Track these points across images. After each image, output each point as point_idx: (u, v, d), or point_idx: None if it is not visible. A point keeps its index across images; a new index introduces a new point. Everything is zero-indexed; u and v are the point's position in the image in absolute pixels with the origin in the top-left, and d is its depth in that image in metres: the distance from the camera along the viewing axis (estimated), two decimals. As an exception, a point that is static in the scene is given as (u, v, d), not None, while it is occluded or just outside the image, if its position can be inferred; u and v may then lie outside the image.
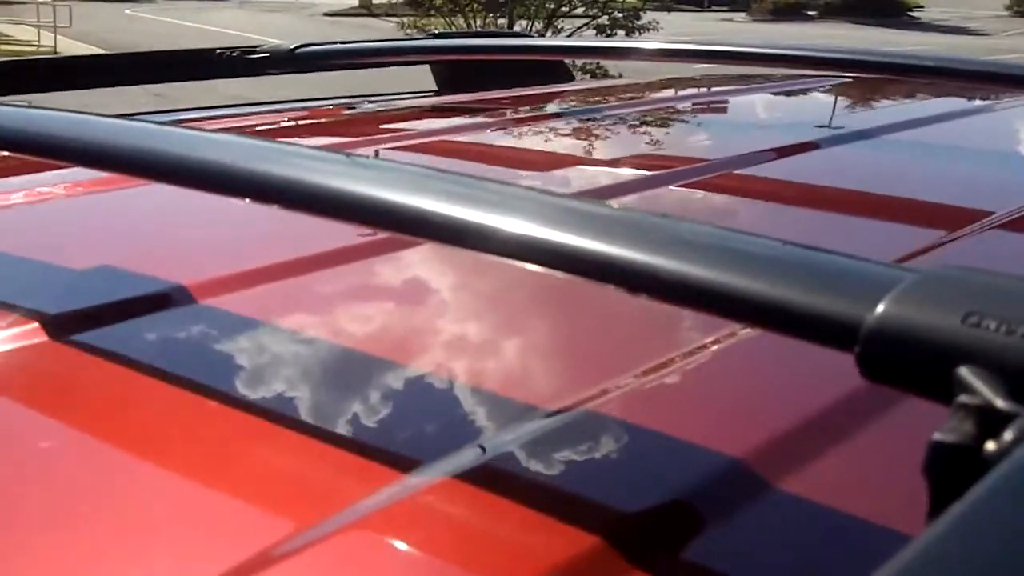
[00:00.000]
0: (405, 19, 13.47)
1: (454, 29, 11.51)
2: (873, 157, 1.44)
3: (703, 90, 2.19)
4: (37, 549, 0.46)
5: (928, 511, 0.32)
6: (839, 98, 2.10)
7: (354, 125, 1.70)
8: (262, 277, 0.79)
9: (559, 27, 12.98)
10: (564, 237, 0.46)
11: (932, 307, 0.37)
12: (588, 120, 1.71)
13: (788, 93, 2.07)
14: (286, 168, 0.56)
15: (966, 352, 0.35)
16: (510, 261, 0.48)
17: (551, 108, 1.88)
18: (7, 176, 1.11)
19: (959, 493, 0.28)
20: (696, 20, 31.20)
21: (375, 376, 0.65)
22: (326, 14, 29.82)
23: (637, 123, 1.72)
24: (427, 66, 2.07)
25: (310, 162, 0.57)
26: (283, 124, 1.61)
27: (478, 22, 12.75)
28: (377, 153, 1.31)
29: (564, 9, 13.13)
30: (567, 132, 1.61)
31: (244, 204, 0.61)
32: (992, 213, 1.04)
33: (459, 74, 2.02)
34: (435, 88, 2.07)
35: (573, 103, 1.96)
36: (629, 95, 2.11)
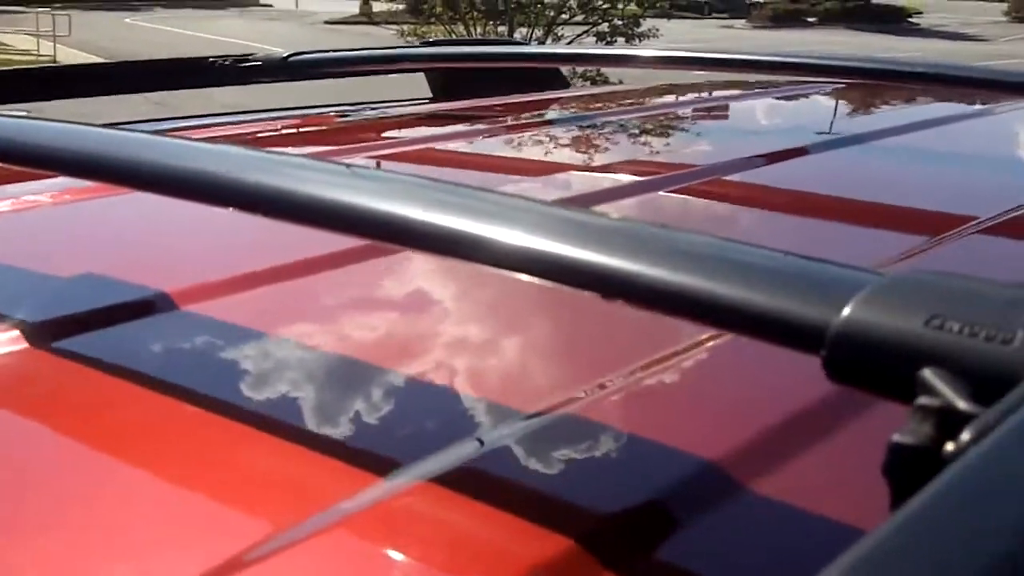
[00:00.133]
0: (405, 27, 13.49)
1: (454, 36, 11.54)
2: (863, 163, 1.45)
3: (697, 96, 2.19)
4: (24, 553, 0.47)
5: (890, 512, 0.32)
6: (832, 105, 2.10)
7: (349, 133, 1.70)
8: (247, 283, 0.79)
9: (559, 34, 12.99)
10: (539, 245, 0.46)
11: (896, 310, 0.37)
12: (582, 127, 1.71)
13: (782, 99, 2.07)
14: (274, 178, 0.56)
15: (929, 354, 0.35)
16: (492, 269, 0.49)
17: (546, 115, 1.88)
18: None
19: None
20: (696, 27, 31.25)
21: (357, 379, 0.66)
22: (326, 22, 29.86)
23: (631, 129, 1.73)
24: (422, 74, 2.07)
25: (298, 171, 0.57)
26: (278, 132, 1.61)
27: (478, 29, 12.78)
28: (378, 163, 1.31)
29: (564, 16, 13.15)
30: (561, 139, 1.62)
31: (230, 212, 0.61)
32: (977, 218, 1.05)
33: (453, 81, 2.03)
34: (430, 96, 2.07)
35: (568, 110, 1.96)
36: (624, 102, 2.11)
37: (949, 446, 0.32)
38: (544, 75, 2.22)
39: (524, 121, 1.74)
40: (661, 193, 1.15)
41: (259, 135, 1.55)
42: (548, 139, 1.60)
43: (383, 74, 1.99)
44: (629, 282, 0.43)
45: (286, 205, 0.55)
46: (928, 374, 0.35)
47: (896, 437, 0.33)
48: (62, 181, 1.04)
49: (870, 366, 0.37)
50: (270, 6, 39.16)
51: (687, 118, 1.91)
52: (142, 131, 0.72)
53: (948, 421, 0.33)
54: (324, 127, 1.74)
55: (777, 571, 0.48)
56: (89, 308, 0.73)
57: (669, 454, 0.56)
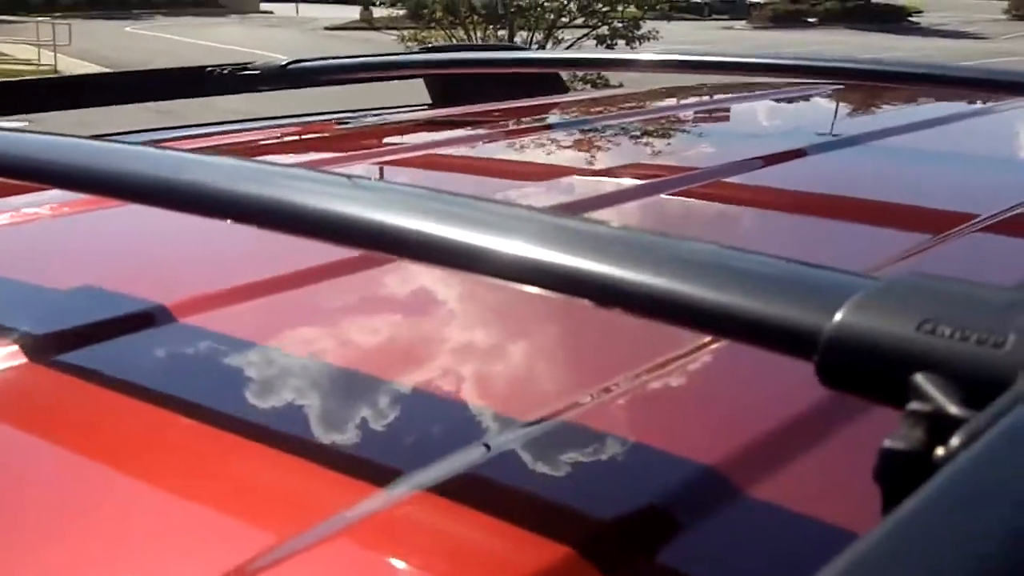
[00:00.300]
0: (406, 32, 13.50)
1: (454, 41, 11.55)
2: (862, 164, 1.45)
3: (697, 99, 2.19)
4: (26, 566, 0.47)
5: (881, 517, 0.33)
6: (831, 106, 2.11)
7: (349, 139, 1.70)
8: (246, 295, 0.79)
9: (559, 38, 13.00)
10: (535, 254, 0.46)
11: (888, 314, 0.37)
12: (582, 131, 1.71)
13: (781, 101, 2.07)
14: (272, 190, 0.56)
15: (921, 359, 0.35)
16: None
17: (545, 120, 1.89)
18: None
19: None
20: (696, 29, 31.26)
21: (357, 389, 0.66)
22: (327, 28, 29.89)
23: (631, 133, 1.73)
24: (421, 80, 2.07)
25: (296, 183, 0.57)
26: (278, 140, 1.62)
27: (478, 34, 12.79)
28: (381, 171, 1.31)
29: (564, 20, 13.16)
30: (561, 143, 1.62)
31: (227, 224, 0.62)
32: (975, 218, 1.05)
33: (452, 87, 2.03)
34: (429, 102, 2.07)
35: (567, 114, 1.96)
36: (623, 106, 2.11)
37: (940, 451, 0.32)
38: (542, 80, 2.22)
39: (524, 126, 1.75)
40: (662, 196, 1.15)
41: (259, 143, 1.55)
42: (549, 144, 1.61)
43: (382, 81, 1.99)
44: (624, 291, 0.43)
45: (285, 217, 0.55)
46: (920, 379, 0.35)
47: (887, 443, 0.33)
48: (59, 194, 1.04)
49: (862, 371, 0.37)
50: (270, 13, 39.20)
51: (687, 121, 1.91)
52: (141, 141, 0.72)
53: (939, 426, 0.33)
54: (324, 134, 1.74)
55: (773, 571, 0.48)
56: (88, 321, 0.73)
57: (665, 460, 0.56)
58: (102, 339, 0.71)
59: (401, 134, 1.73)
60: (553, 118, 1.92)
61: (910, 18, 36.49)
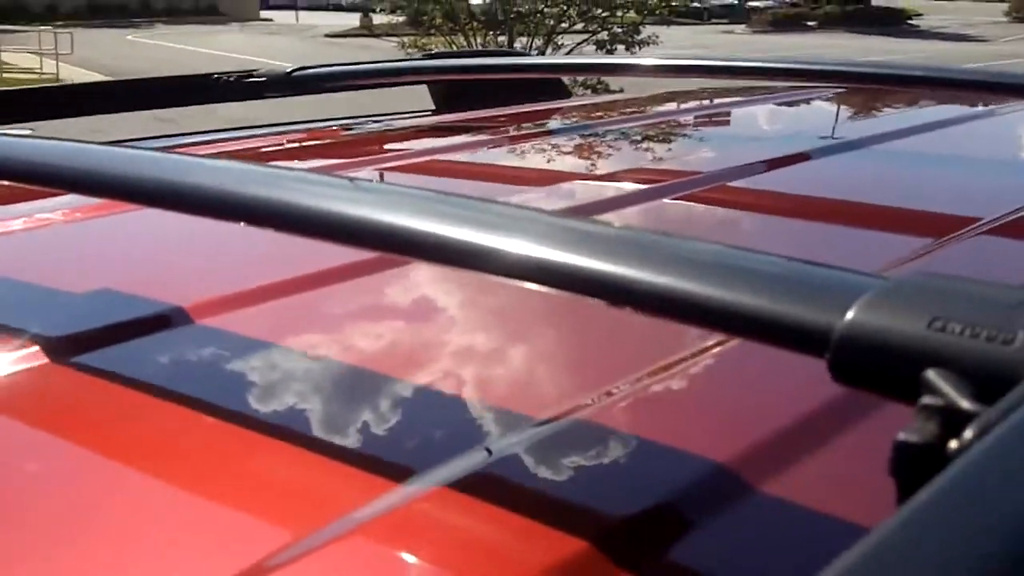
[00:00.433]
0: (405, 39, 13.51)
1: (454, 48, 11.56)
2: (865, 167, 1.46)
3: (698, 103, 2.20)
4: (45, 562, 0.48)
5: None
6: (833, 109, 2.11)
7: (353, 145, 1.71)
8: (257, 297, 0.80)
9: (559, 43, 13.01)
10: (548, 254, 0.47)
11: (899, 313, 0.38)
12: (585, 136, 1.72)
13: (783, 105, 2.08)
14: (285, 192, 0.57)
15: (932, 355, 0.36)
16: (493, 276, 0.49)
17: (549, 125, 1.89)
18: (5, 204, 1.13)
19: None
20: (696, 33, 31.28)
21: (369, 388, 0.67)
22: (327, 36, 29.93)
23: (634, 138, 1.73)
24: (424, 86, 2.08)
25: (308, 186, 0.58)
26: (283, 146, 1.62)
27: (478, 40, 12.79)
28: (382, 175, 1.32)
29: (564, 25, 13.16)
30: (565, 148, 1.63)
31: (239, 226, 0.62)
32: (980, 219, 1.05)
33: (456, 93, 2.04)
34: (433, 108, 2.08)
35: (570, 119, 1.97)
36: (626, 110, 2.12)
37: (953, 443, 0.33)
38: (546, 85, 2.23)
39: (527, 131, 1.75)
40: (666, 200, 1.16)
41: (265, 150, 1.56)
42: (552, 149, 1.61)
43: (386, 87, 2.00)
44: (642, 290, 0.44)
45: (297, 219, 0.56)
46: (932, 375, 0.36)
47: (901, 436, 0.34)
48: (71, 199, 1.05)
49: (875, 368, 0.38)
50: (270, 20, 39.29)
51: (689, 125, 1.92)
52: (148, 148, 0.73)
53: (952, 420, 0.34)
54: (329, 140, 1.75)
55: (787, 569, 0.49)
56: (104, 323, 0.74)
57: (680, 458, 0.57)
58: (119, 341, 0.72)
59: (406, 140, 1.74)
60: (557, 123, 1.93)
61: (910, 21, 36.51)
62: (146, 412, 0.62)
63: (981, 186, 1.37)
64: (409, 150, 1.57)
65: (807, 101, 2.10)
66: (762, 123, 2.01)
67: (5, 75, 15.65)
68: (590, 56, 10.15)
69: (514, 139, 1.65)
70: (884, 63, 1.80)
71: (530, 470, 0.55)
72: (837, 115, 2.08)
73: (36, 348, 0.69)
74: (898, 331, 0.37)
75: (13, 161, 0.71)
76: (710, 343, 0.70)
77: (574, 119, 1.96)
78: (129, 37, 28.17)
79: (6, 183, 0.74)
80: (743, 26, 36.07)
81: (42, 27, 18.27)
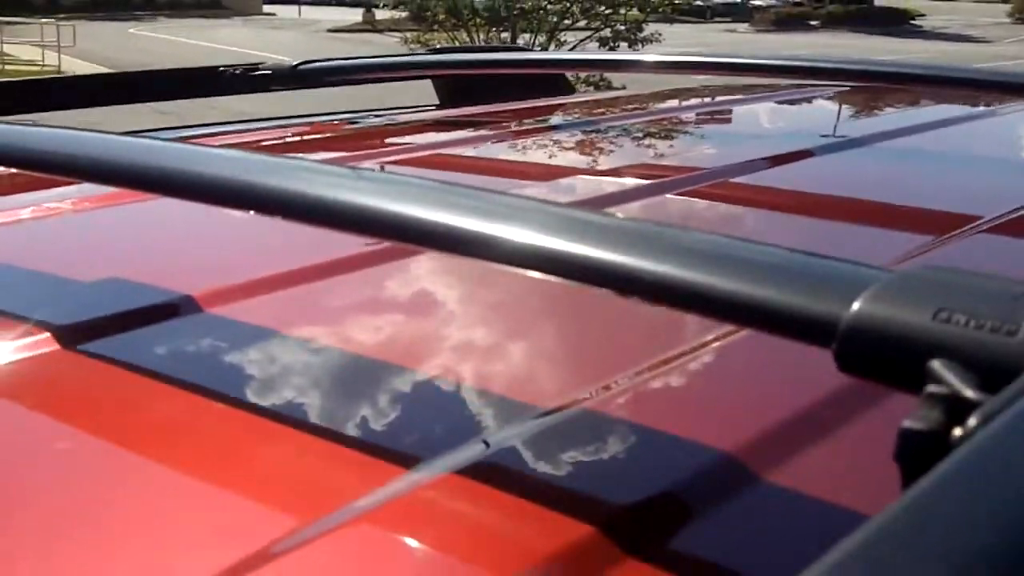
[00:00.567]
0: (408, 34, 13.50)
1: (457, 43, 11.55)
2: (868, 164, 1.46)
3: (701, 100, 2.21)
4: (52, 547, 0.48)
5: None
6: (836, 107, 2.12)
7: (357, 139, 1.71)
8: (265, 286, 0.81)
9: (562, 40, 13.00)
10: (557, 243, 0.48)
11: (905, 304, 0.39)
12: (588, 131, 1.72)
13: (786, 102, 2.08)
14: (296, 182, 0.58)
15: (937, 346, 0.37)
16: (501, 267, 0.50)
17: (552, 120, 1.90)
18: (16, 192, 1.13)
19: None
20: (698, 31, 31.26)
21: (374, 378, 0.67)
22: (330, 30, 29.91)
23: (636, 134, 1.74)
24: (429, 80, 2.09)
25: (318, 176, 0.59)
26: (287, 139, 1.63)
27: (481, 36, 12.79)
28: (383, 167, 1.32)
29: (567, 22, 13.15)
30: (568, 143, 1.63)
31: (246, 216, 0.63)
32: (981, 218, 1.06)
33: (461, 88, 2.04)
34: (437, 102, 2.08)
35: (574, 115, 1.98)
36: (628, 106, 2.12)
37: (957, 431, 0.33)
38: (550, 81, 2.23)
39: (531, 127, 1.76)
40: (669, 196, 1.16)
41: (270, 143, 1.56)
42: (555, 144, 1.62)
43: (391, 81, 2.00)
44: (651, 279, 0.45)
45: (308, 208, 0.56)
46: (936, 364, 0.36)
47: (907, 423, 0.35)
48: (80, 187, 1.06)
49: (881, 358, 0.39)
50: (273, 15, 39.25)
51: (692, 122, 1.92)
52: (156, 138, 0.74)
53: (956, 408, 0.34)
54: (334, 134, 1.75)
55: (792, 556, 0.49)
56: (113, 311, 0.74)
57: (687, 447, 0.57)
58: (128, 328, 0.72)
59: (411, 134, 1.75)
60: (560, 119, 1.94)
61: (913, 21, 36.49)
62: (154, 400, 0.63)
63: (983, 184, 1.38)
64: (413, 144, 1.57)
65: (810, 99, 2.11)
66: (765, 120, 2.01)
67: (7, 67, 15.65)
68: (595, 52, 10.15)
69: (518, 134, 1.65)
70: (886, 62, 1.80)
71: (536, 458, 0.55)
72: (840, 113, 2.09)
73: (46, 335, 0.69)
74: (904, 322, 0.38)
75: (26, 149, 0.71)
76: (715, 334, 0.70)
77: (577, 115, 1.96)
78: (131, 30, 28.15)
79: (20, 171, 0.75)
80: (746, 25, 36.02)
81: (44, 19, 18.25)
